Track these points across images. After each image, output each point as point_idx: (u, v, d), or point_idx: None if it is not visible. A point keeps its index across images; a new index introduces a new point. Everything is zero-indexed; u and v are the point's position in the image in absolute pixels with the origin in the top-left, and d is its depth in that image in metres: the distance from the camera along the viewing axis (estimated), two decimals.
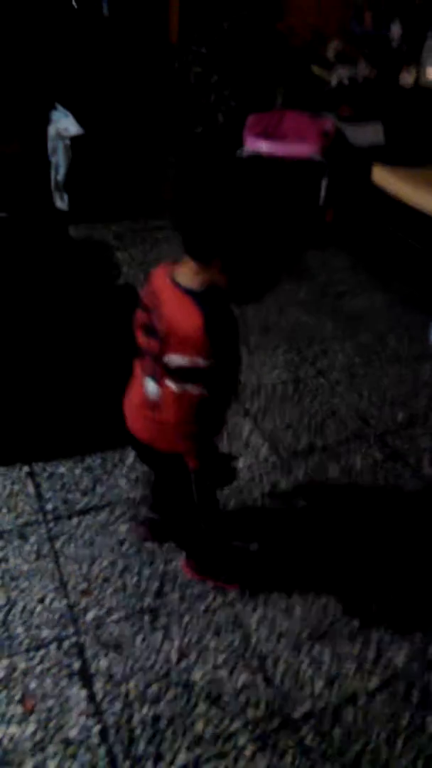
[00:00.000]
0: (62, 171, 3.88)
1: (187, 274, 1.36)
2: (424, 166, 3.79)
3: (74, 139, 3.76)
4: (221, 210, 1.29)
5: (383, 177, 3.82)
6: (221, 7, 4.05)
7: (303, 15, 4.32)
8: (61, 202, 4.01)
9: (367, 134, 4.01)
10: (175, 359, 1.36)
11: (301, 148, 3.84)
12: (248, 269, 1.36)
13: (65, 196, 3.99)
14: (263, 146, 3.86)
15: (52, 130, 3.86)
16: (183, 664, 1.77)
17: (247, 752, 1.60)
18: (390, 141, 3.96)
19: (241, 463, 2.44)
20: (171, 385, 1.40)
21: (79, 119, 3.73)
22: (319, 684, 1.76)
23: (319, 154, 3.82)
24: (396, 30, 4.19)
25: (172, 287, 1.38)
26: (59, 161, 3.88)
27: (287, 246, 1.41)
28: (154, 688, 1.71)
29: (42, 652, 1.78)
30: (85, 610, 1.89)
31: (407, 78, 4.10)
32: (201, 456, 1.53)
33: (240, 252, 1.32)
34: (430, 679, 1.79)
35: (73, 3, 3.83)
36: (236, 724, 1.65)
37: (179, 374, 1.38)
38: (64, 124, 3.79)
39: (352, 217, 4.18)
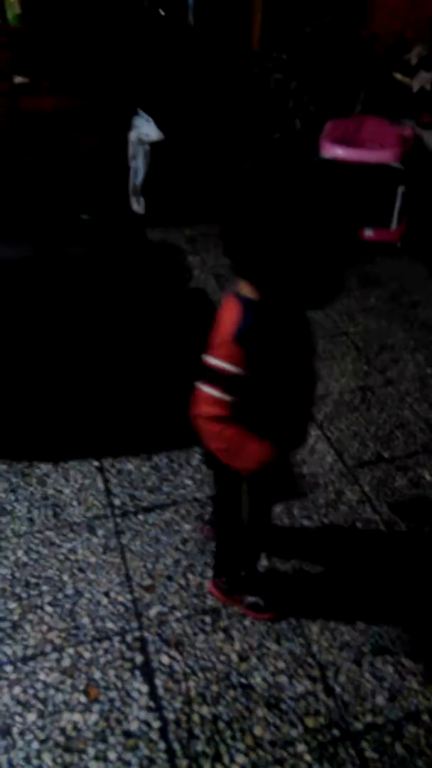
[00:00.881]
0: (141, 175, 3.96)
1: (244, 284, 1.38)
2: None
3: (154, 145, 3.84)
4: (247, 242, 1.27)
5: None
6: (304, 13, 4.05)
7: (386, 21, 4.27)
8: (137, 206, 4.10)
9: None
10: (208, 359, 1.39)
11: (379, 155, 3.79)
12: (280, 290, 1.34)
13: (142, 200, 4.07)
14: (340, 152, 3.83)
15: (133, 136, 3.95)
16: (243, 666, 1.78)
17: (306, 761, 1.59)
18: None
19: (305, 470, 2.43)
20: (199, 384, 1.41)
21: (160, 125, 3.81)
22: (381, 698, 1.73)
23: (398, 161, 3.76)
24: None
25: (231, 294, 1.40)
26: (138, 166, 3.97)
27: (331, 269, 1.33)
28: (214, 688, 1.73)
29: (106, 643, 1.82)
30: (149, 606, 1.93)
31: None
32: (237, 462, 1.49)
33: (266, 277, 1.31)
34: None
35: (160, 11, 3.91)
36: (295, 732, 1.65)
37: (206, 374, 1.39)
38: (145, 129, 3.88)
39: (429, 226, 4.09)
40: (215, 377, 1.36)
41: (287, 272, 1.27)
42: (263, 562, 2.05)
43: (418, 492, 2.38)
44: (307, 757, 1.60)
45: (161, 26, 3.92)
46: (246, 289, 1.36)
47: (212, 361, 1.37)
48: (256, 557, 1.92)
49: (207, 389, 1.38)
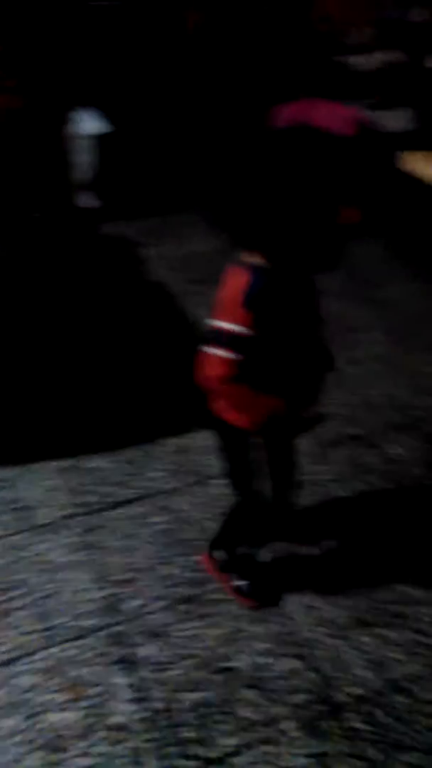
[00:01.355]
0: (88, 170, 3.92)
1: (251, 253, 1.45)
2: None
3: (101, 138, 3.80)
4: (253, 213, 1.39)
5: (414, 163, 3.77)
6: None
7: (332, 3, 4.29)
8: (89, 201, 4.05)
9: (397, 120, 3.96)
10: (215, 323, 1.44)
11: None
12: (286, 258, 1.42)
13: (93, 195, 4.03)
14: None
15: (74, 130, 3.90)
16: (225, 651, 1.78)
17: (293, 737, 1.60)
18: (420, 126, 3.90)
19: None
20: (205, 348, 1.45)
21: (106, 117, 3.77)
22: (363, 669, 1.75)
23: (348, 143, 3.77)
24: (419, 14, 4.13)
25: (236, 264, 1.47)
26: (84, 160, 3.92)
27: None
28: (197, 674, 1.72)
29: (86, 640, 1.80)
30: (125, 600, 1.91)
31: None
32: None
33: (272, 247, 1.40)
34: None
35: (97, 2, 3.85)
36: (281, 710, 1.65)
37: (213, 337, 1.44)
38: (86, 123, 3.84)
39: (383, 206, 4.12)
40: (223, 339, 1.42)
41: (294, 238, 1.37)
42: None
43: (388, 468, 2.41)
44: (295, 734, 1.60)
45: (99, 17, 3.86)
46: (252, 258, 1.43)
47: (220, 323, 1.43)
48: (261, 536, 1.94)
49: (215, 351, 1.43)
